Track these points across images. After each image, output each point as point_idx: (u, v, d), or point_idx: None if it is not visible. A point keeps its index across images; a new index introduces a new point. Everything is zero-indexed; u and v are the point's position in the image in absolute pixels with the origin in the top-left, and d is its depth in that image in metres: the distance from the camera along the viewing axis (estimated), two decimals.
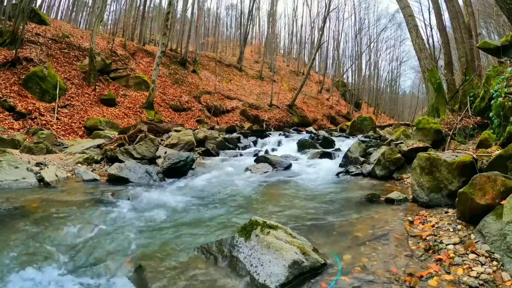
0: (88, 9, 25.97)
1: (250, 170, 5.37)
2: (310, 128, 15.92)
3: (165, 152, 5.84)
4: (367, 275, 1.79)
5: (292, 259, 1.76)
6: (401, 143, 5.48)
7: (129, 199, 3.46)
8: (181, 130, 8.47)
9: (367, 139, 8.82)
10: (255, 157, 6.10)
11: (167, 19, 13.92)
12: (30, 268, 1.91)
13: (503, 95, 4.27)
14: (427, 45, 11.81)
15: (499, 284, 1.64)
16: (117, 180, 4.28)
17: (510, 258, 1.74)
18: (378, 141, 8.29)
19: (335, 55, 35.29)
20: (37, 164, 4.50)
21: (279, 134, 11.35)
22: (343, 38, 38.65)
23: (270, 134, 11.59)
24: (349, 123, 15.13)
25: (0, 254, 2.06)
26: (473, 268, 1.78)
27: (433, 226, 2.45)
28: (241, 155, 7.16)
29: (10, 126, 7.81)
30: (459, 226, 2.33)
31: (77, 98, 10.81)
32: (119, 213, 2.99)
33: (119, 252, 2.18)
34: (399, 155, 4.66)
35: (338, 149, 7.68)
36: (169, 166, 4.79)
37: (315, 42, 26.30)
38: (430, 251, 2.06)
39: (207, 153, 6.87)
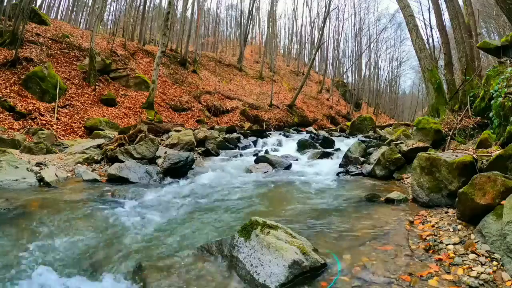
0: (88, 9, 25.97)
1: (250, 170, 5.37)
2: (310, 128, 15.92)
3: (165, 152, 5.84)
4: (367, 275, 1.79)
5: (292, 259, 1.76)
6: (401, 143, 5.47)
7: (129, 199, 3.46)
8: (181, 130, 8.47)
9: (367, 139, 8.81)
10: (255, 157, 6.10)
11: (167, 19, 13.92)
12: (30, 268, 1.91)
13: (503, 95, 4.27)
14: (427, 45, 11.80)
15: (499, 284, 1.64)
16: (117, 180, 4.27)
17: (510, 258, 1.74)
18: (378, 141, 8.28)
19: (335, 55, 35.36)
20: (37, 164, 4.50)
21: (279, 134, 11.35)
22: (343, 38, 38.65)
23: (270, 134, 11.58)
24: (349, 123, 15.14)
25: (0, 254, 2.06)
26: (473, 268, 1.78)
27: (433, 226, 2.45)
28: (241, 155, 7.16)
29: (10, 126, 7.80)
30: (459, 226, 2.33)
31: (77, 98, 10.81)
32: (119, 213, 2.99)
33: (119, 252, 2.18)
34: (399, 155, 4.66)
35: (338, 149, 7.67)
36: (169, 166, 4.79)
37: (315, 42, 26.32)
38: (430, 251, 2.06)
39: (207, 153, 6.87)
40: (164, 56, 16.82)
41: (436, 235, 2.26)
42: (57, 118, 9.07)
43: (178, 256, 2.06)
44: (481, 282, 1.66)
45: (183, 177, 4.77)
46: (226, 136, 8.93)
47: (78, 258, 2.09)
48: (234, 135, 9.60)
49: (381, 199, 3.33)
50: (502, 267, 1.75)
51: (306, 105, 23.30)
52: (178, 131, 8.52)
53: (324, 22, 22.73)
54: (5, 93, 8.79)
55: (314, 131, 13.20)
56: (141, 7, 22.12)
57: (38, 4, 19.33)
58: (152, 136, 6.10)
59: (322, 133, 11.70)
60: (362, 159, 5.54)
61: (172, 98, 15.67)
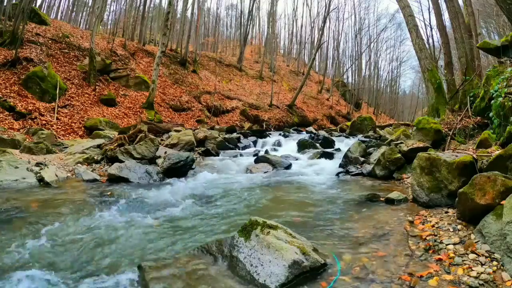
0: (88, 9, 25.99)
1: (250, 170, 5.37)
2: (310, 128, 15.91)
3: (165, 152, 5.84)
4: (367, 275, 1.79)
5: (292, 259, 1.76)
6: (401, 143, 5.47)
7: (129, 199, 3.46)
8: (181, 130, 8.47)
9: (367, 139, 8.81)
10: (255, 157, 6.10)
11: (167, 19, 13.92)
12: (30, 268, 1.91)
13: (503, 95, 4.27)
14: (427, 45, 11.80)
15: (499, 284, 1.64)
16: (117, 180, 4.28)
17: (510, 258, 1.74)
18: (378, 141, 8.28)
19: (335, 55, 35.34)
20: (37, 164, 4.50)
21: (279, 134, 11.34)
22: (343, 38, 38.62)
23: (270, 134, 11.58)
24: (349, 123, 15.13)
25: (0, 254, 2.06)
26: (473, 268, 1.78)
27: (433, 226, 2.45)
28: (241, 155, 7.16)
29: (10, 126, 7.80)
30: (459, 226, 2.33)
31: (77, 98, 10.80)
32: (119, 213, 2.99)
33: (118, 253, 2.18)
34: (399, 155, 4.66)
35: (338, 149, 7.68)
36: (169, 166, 4.79)
37: (315, 42, 26.30)
38: (430, 251, 2.06)
39: (207, 153, 6.87)
40: (164, 56, 16.82)
41: (436, 235, 2.26)
42: (57, 118, 9.07)
43: (178, 256, 2.06)
44: (481, 282, 1.66)
45: (183, 177, 4.77)
46: (226, 136, 8.93)
47: (78, 258, 2.09)
48: (234, 135, 9.60)
49: (381, 199, 3.33)
50: (502, 267, 1.75)
51: (306, 105, 23.29)
52: (178, 131, 8.52)
53: (324, 22, 22.72)
54: (5, 93, 8.79)
55: (314, 131, 13.20)
56: (141, 7, 22.12)
57: (38, 4, 19.34)
58: (152, 136, 6.10)
59: (322, 133, 11.70)
60: (362, 159, 5.54)
61: (172, 98, 15.66)
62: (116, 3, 27.41)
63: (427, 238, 2.24)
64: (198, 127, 12.89)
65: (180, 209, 3.19)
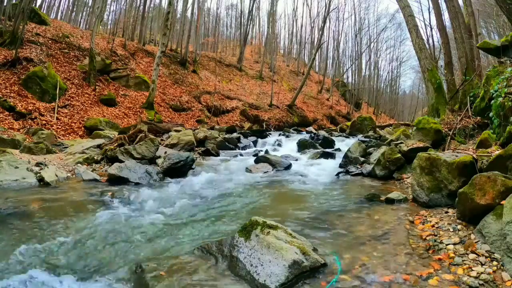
0: (88, 9, 25.99)
1: (250, 170, 5.36)
2: (310, 128, 15.91)
3: (165, 152, 5.83)
4: (367, 274, 1.80)
5: (292, 259, 1.76)
6: (401, 143, 5.47)
7: (129, 199, 3.46)
8: (181, 130, 8.47)
9: (367, 139, 8.82)
10: (255, 157, 6.10)
11: (167, 19, 13.92)
12: (29, 268, 1.91)
13: (503, 95, 4.27)
14: (427, 45, 11.80)
15: (499, 284, 1.64)
16: (117, 180, 4.27)
17: (510, 258, 1.74)
18: (378, 141, 8.28)
19: (335, 55, 35.30)
20: (37, 164, 4.50)
21: (279, 134, 11.34)
22: (343, 38, 38.54)
23: (270, 134, 11.58)
24: (349, 123, 15.14)
25: (0, 254, 2.06)
26: (473, 268, 1.78)
27: (433, 226, 2.45)
28: (241, 155, 7.16)
29: (10, 126, 7.80)
30: (459, 226, 2.33)
31: (77, 98, 10.80)
32: (119, 213, 2.99)
33: (119, 253, 2.18)
34: (399, 155, 4.66)
35: (338, 149, 7.68)
36: (169, 166, 4.79)
37: (315, 42, 26.30)
38: (430, 251, 2.06)
39: (207, 153, 6.87)
40: (164, 56, 16.81)
41: (436, 235, 2.26)
42: (57, 118, 9.07)
43: (178, 257, 2.06)
44: (481, 282, 1.66)
45: (183, 177, 4.77)
46: (226, 136, 8.93)
47: (78, 258, 2.09)
48: (234, 135, 9.60)
49: (381, 199, 3.33)
50: (502, 267, 1.75)
51: (306, 105, 23.29)
52: (178, 131, 8.52)
53: (324, 22, 22.71)
54: (5, 93, 8.79)
55: (314, 131, 13.20)
56: (141, 7, 22.12)
57: (38, 4, 19.31)
58: (152, 136, 6.10)
59: (322, 133, 11.69)
60: (362, 159, 5.54)
61: (172, 98, 15.66)
62: (116, 3, 27.39)
63: (427, 238, 2.24)
64: (198, 127, 12.88)
65: (180, 209, 3.19)
